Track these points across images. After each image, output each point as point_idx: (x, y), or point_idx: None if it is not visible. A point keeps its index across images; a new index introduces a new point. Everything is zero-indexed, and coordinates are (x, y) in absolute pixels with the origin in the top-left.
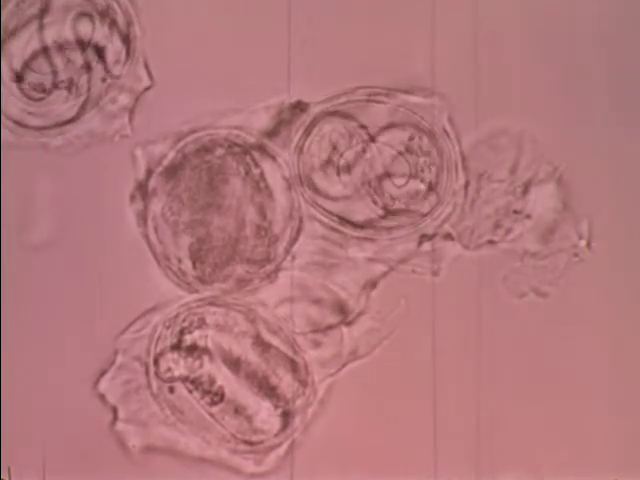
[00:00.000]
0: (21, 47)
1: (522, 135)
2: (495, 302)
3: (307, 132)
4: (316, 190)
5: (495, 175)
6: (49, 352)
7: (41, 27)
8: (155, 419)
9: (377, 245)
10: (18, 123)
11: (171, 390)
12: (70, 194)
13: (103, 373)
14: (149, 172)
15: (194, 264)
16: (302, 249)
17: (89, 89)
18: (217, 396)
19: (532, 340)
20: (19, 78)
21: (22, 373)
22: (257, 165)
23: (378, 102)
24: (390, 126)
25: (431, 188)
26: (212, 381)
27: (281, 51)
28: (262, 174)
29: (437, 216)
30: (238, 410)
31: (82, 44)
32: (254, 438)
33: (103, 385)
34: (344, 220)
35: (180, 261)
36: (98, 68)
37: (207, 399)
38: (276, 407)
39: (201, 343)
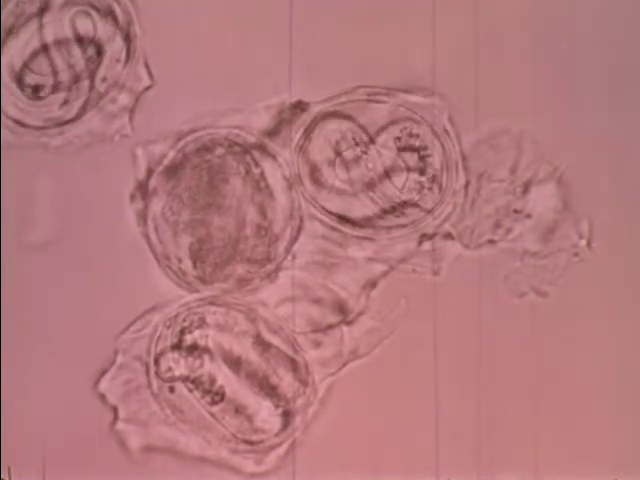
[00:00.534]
0: (21, 47)
1: (522, 135)
2: (495, 302)
3: (307, 132)
4: (318, 185)
5: (495, 175)
6: (49, 352)
7: (40, 26)
8: (155, 419)
9: (377, 244)
10: (18, 123)
11: (171, 390)
12: (70, 194)
13: (103, 373)
14: (149, 172)
15: (194, 264)
16: (302, 249)
17: (90, 89)
18: (217, 396)
19: (532, 340)
20: (19, 79)
21: (22, 373)
22: (257, 165)
23: (378, 102)
24: (389, 125)
25: (433, 180)
26: (212, 381)
27: (282, 51)
28: (262, 174)
29: (438, 215)
30: (238, 410)
31: (82, 43)
32: (254, 438)
33: (103, 385)
34: (344, 219)
35: (180, 261)
36: (98, 68)
37: (207, 399)
38: (277, 407)
39: (201, 343)
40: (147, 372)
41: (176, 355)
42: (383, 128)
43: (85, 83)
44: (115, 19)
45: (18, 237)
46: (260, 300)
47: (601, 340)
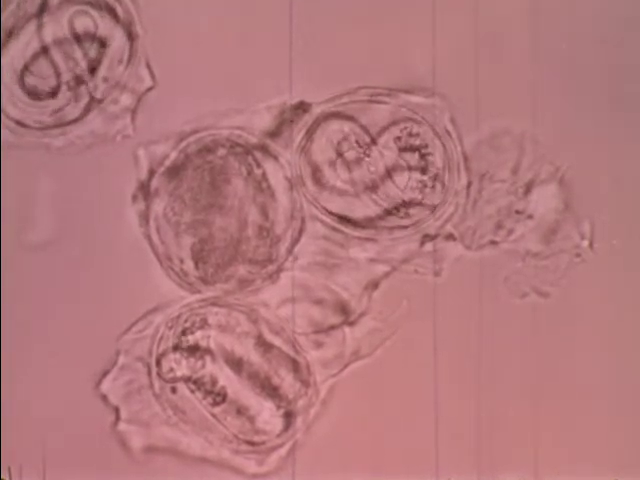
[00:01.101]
0: (21, 48)
1: (524, 135)
2: (497, 302)
3: (309, 132)
4: (320, 186)
5: (497, 175)
6: (51, 353)
7: (40, 27)
8: (157, 419)
9: (379, 245)
10: (19, 123)
11: (173, 390)
12: (72, 194)
13: (105, 374)
14: (151, 172)
15: (196, 264)
16: (304, 249)
17: (91, 89)
18: (219, 396)
19: (533, 340)
20: (21, 79)
21: (23, 373)
22: (259, 165)
23: (380, 102)
24: (391, 125)
25: (435, 179)
26: (214, 381)
27: (283, 51)
28: (264, 174)
29: (440, 215)
30: (240, 410)
31: (82, 43)
32: (256, 438)
33: (105, 386)
34: (345, 219)
35: (182, 261)
36: (100, 68)
37: (209, 399)
38: (278, 407)
39: (203, 343)
40: (149, 373)
41: (178, 356)
42: (385, 129)
43: (86, 84)
44: (116, 19)
45: (19, 237)
46: (262, 301)
47: (602, 340)
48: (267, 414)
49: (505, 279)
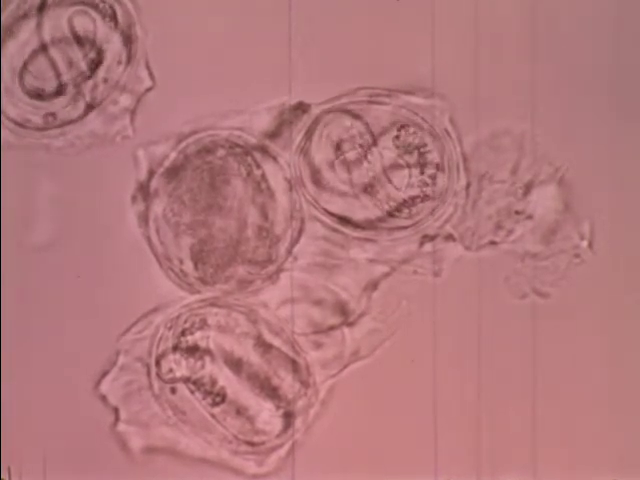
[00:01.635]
0: (21, 47)
1: (523, 136)
2: (496, 303)
3: (309, 133)
4: (320, 187)
5: (496, 176)
6: (50, 353)
7: (40, 27)
8: (157, 420)
9: (378, 246)
10: (19, 124)
11: (173, 391)
12: (71, 195)
13: (105, 374)
14: (151, 173)
15: (196, 265)
16: (303, 250)
17: (91, 90)
18: (219, 397)
19: (533, 341)
20: (21, 80)
21: (23, 374)
22: (258, 166)
23: (380, 103)
24: (392, 126)
25: (435, 177)
26: (214, 382)
27: (283, 52)
28: (263, 175)
29: (439, 216)
30: (240, 411)
31: (82, 44)
32: (256, 439)
33: (105, 386)
34: (345, 220)
35: (182, 262)
36: (99, 69)
37: (209, 400)
38: (278, 408)
39: (203, 344)
40: (148, 373)
41: (177, 356)
42: (386, 129)
43: (86, 85)
44: (116, 20)
45: (19, 238)
46: (261, 301)
47: (602, 341)
48: (266, 415)
49: (505, 280)
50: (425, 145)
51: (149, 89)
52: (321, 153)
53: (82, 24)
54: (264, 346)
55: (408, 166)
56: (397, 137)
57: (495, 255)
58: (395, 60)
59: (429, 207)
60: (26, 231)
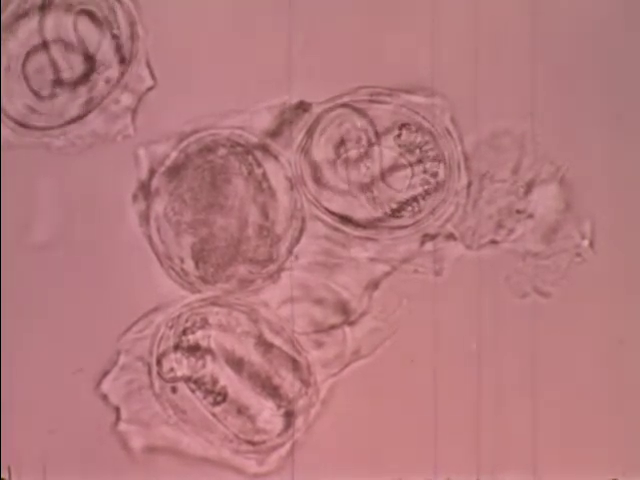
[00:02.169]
0: (22, 46)
1: (524, 135)
2: (497, 302)
3: (310, 132)
4: (321, 186)
5: (497, 175)
6: (51, 353)
7: (41, 26)
8: (158, 419)
9: (379, 245)
10: (20, 123)
11: (174, 390)
12: (72, 194)
13: (106, 373)
14: (152, 172)
15: (197, 264)
16: (305, 249)
17: (91, 89)
18: (220, 396)
19: (534, 340)
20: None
21: (24, 373)
22: (259, 165)
23: (381, 102)
24: (393, 125)
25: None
26: (215, 381)
27: (284, 51)
28: (264, 174)
29: (440, 215)
30: (241, 410)
31: (83, 44)
32: (257, 438)
33: (106, 385)
34: (346, 219)
35: (183, 261)
36: (101, 69)
37: (210, 399)
38: (279, 407)
39: (204, 343)
40: (149, 372)
41: (178, 355)
42: (387, 129)
43: (86, 85)
44: (117, 20)
45: (19, 237)
46: (262, 301)
47: (603, 340)
48: (267, 414)
49: (506, 279)
50: (427, 143)
51: (150, 88)
52: (323, 152)
53: (84, 23)
54: (265, 345)
55: (410, 165)
56: (399, 136)
57: (496, 254)
58: (396, 59)
59: (431, 205)
60: (27, 230)
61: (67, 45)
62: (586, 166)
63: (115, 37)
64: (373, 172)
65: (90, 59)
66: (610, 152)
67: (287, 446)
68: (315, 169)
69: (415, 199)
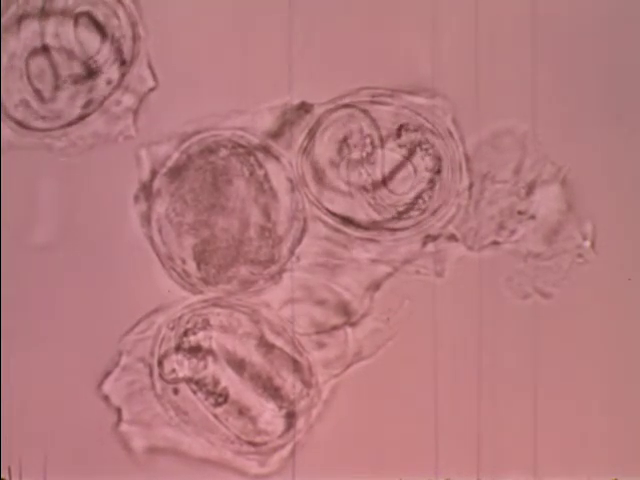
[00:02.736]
0: (22, 47)
1: (526, 136)
2: (498, 303)
3: (311, 133)
4: (323, 187)
5: (499, 176)
6: (53, 353)
7: (42, 27)
8: (159, 420)
9: (381, 246)
10: (21, 124)
11: (175, 391)
12: (74, 195)
13: (107, 374)
14: (153, 173)
15: (198, 265)
16: (306, 250)
17: (92, 90)
18: (221, 397)
19: (535, 341)
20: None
21: (25, 373)
22: (261, 166)
23: (382, 103)
24: (393, 126)
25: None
26: (216, 382)
27: (285, 52)
28: (266, 175)
29: (442, 216)
30: (242, 411)
31: (84, 45)
32: (258, 439)
33: (107, 386)
34: (347, 220)
35: (184, 262)
36: (102, 70)
37: (211, 400)
38: (280, 408)
39: (205, 344)
40: (151, 374)
41: (180, 357)
42: (390, 130)
43: (87, 86)
44: (118, 20)
45: (21, 238)
46: (264, 302)
47: (603, 341)
48: (269, 415)
49: (507, 280)
50: (427, 142)
51: (152, 89)
52: (325, 153)
53: (84, 24)
54: (266, 346)
55: (412, 164)
56: (398, 136)
57: (497, 255)
58: (397, 60)
59: (433, 204)
60: (28, 231)
61: (68, 46)
62: (588, 167)
63: (116, 38)
64: (376, 178)
65: (91, 60)
66: (612, 153)
67: (288, 447)
68: (317, 170)
69: (420, 197)
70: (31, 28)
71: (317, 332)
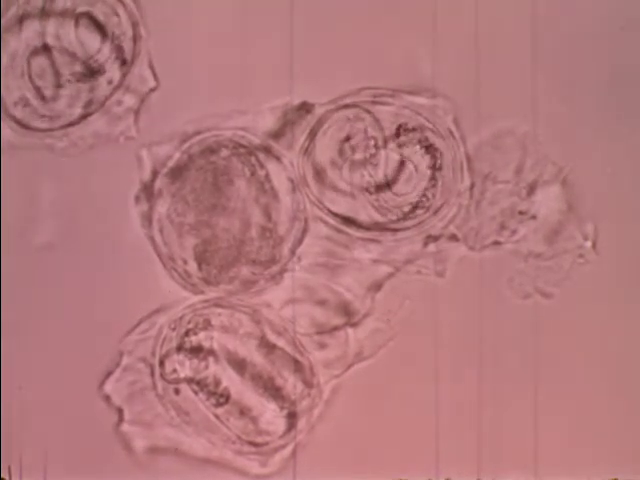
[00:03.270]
0: (23, 47)
1: (527, 136)
2: (499, 303)
3: (312, 133)
4: (324, 187)
5: (500, 176)
6: (54, 354)
7: (43, 27)
8: (160, 420)
9: (382, 246)
10: (22, 124)
11: (176, 391)
12: (75, 195)
13: (109, 374)
14: (154, 173)
15: (199, 265)
16: (307, 250)
17: (93, 91)
18: (222, 397)
19: (536, 341)
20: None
21: (26, 373)
22: (262, 166)
23: (383, 103)
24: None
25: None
26: (217, 382)
27: (287, 52)
28: (267, 175)
29: (443, 216)
30: (243, 411)
31: (85, 45)
32: (259, 439)
33: (109, 386)
34: (348, 220)
35: (185, 262)
36: (103, 70)
37: (212, 400)
38: (281, 408)
39: (206, 344)
40: (152, 374)
41: (181, 357)
42: (391, 130)
43: (88, 86)
44: (119, 21)
45: (22, 239)
46: (265, 302)
47: (604, 341)
48: (270, 415)
49: (508, 280)
50: (427, 139)
51: (153, 89)
52: (326, 153)
53: (85, 25)
54: (268, 346)
55: (412, 163)
56: (397, 135)
57: (498, 255)
58: (397, 60)
59: (438, 200)
60: (29, 231)
61: (69, 46)
62: (589, 167)
63: (117, 38)
64: (379, 180)
65: (92, 60)
66: (613, 153)
67: (289, 447)
68: (318, 170)
69: (424, 195)
70: (32, 28)
71: (318, 332)
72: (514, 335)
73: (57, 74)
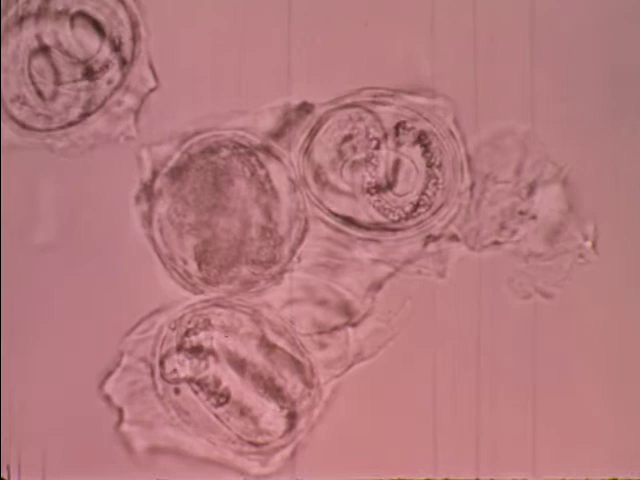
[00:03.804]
0: (23, 48)
1: (527, 136)
2: (499, 303)
3: (313, 133)
4: (325, 187)
5: (500, 176)
6: (54, 353)
7: (43, 27)
8: (160, 420)
9: (382, 246)
10: (23, 124)
11: (177, 391)
12: (75, 195)
13: (109, 374)
14: (154, 173)
15: (199, 265)
16: (307, 250)
17: (93, 91)
18: (222, 397)
19: (536, 340)
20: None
21: (26, 373)
22: (262, 166)
23: (384, 104)
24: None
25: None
26: (217, 382)
27: (286, 53)
28: (267, 175)
29: (443, 217)
30: (243, 411)
31: (85, 45)
32: (259, 439)
33: (109, 386)
34: (349, 220)
35: (185, 262)
36: (103, 71)
37: (212, 400)
38: (281, 408)
39: (206, 344)
40: (152, 374)
41: (181, 357)
42: (390, 130)
43: (88, 86)
44: (119, 21)
45: (22, 238)
46: (265, 302)
47: (605, 341)
48: (270, 415)
49: (508, 280)
50: (425, 137)
51: (153, 89)
52: (328, 152)
53: (85, 25)
54: (268, 346)
55: (413, 163)
56: (396, 134)
57: (499, 255)
58: (397, 60)
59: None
60: (29, 231)
61: (68, 46)
62: (589, 167)
63: (117, 38)
64: (380, 181)
65: (92, 60)
66: (613, 153)
67: (290, 447)
68: (318, 170)
69: (424, 193)
70: (32, 28)
71: (318, 332)
72: (514, 335)
73: (57, 73)
